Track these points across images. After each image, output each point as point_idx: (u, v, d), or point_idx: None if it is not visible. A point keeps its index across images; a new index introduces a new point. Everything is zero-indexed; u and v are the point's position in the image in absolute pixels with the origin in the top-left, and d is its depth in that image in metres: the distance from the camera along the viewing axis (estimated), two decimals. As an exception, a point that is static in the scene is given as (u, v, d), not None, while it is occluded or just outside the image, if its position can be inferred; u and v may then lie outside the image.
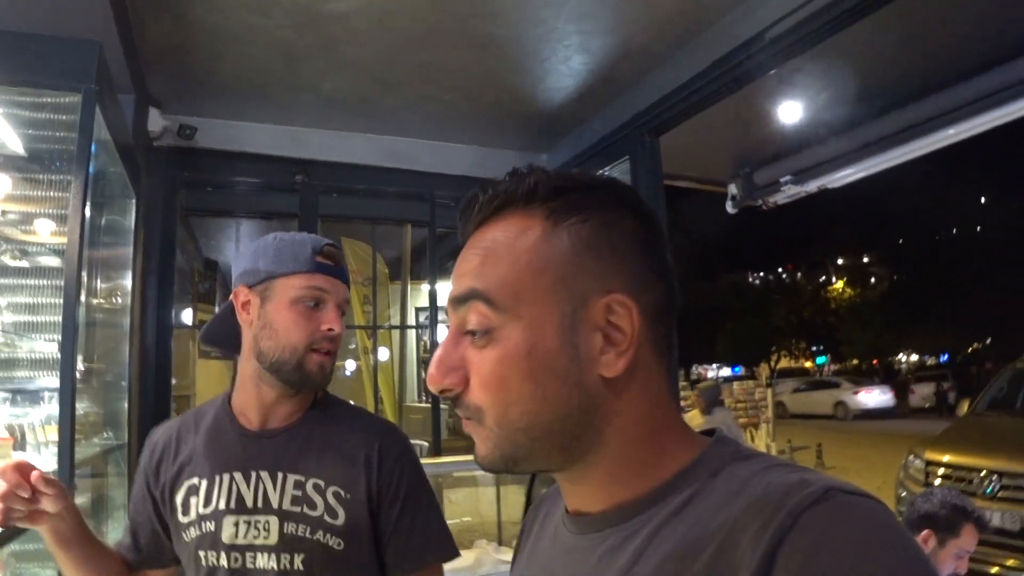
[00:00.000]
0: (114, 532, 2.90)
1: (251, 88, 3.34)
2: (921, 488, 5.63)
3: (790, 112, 3.83)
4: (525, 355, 0.66)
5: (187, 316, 5.42)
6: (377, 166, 3.95)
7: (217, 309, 6.49)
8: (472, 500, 4.63)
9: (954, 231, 38.16)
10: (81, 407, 2.69)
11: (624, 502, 0.69)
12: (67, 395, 1.89)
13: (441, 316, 4.52)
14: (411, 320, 7.21)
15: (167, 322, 3.52)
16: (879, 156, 3.85)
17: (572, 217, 0.68)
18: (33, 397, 2.47)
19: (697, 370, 44.38)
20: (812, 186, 4.48)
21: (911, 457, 6.51)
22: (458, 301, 0.70)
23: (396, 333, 7.15)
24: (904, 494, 6.17)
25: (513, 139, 4.14)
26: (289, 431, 1.39)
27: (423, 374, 7.70)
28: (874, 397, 23.15)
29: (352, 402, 1.57)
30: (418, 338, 7.86)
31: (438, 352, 0.70)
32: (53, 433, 2.15)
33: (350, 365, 7.32)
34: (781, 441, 13.09)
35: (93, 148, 2.44)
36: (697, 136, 3.89)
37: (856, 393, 23.56)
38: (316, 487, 1.33)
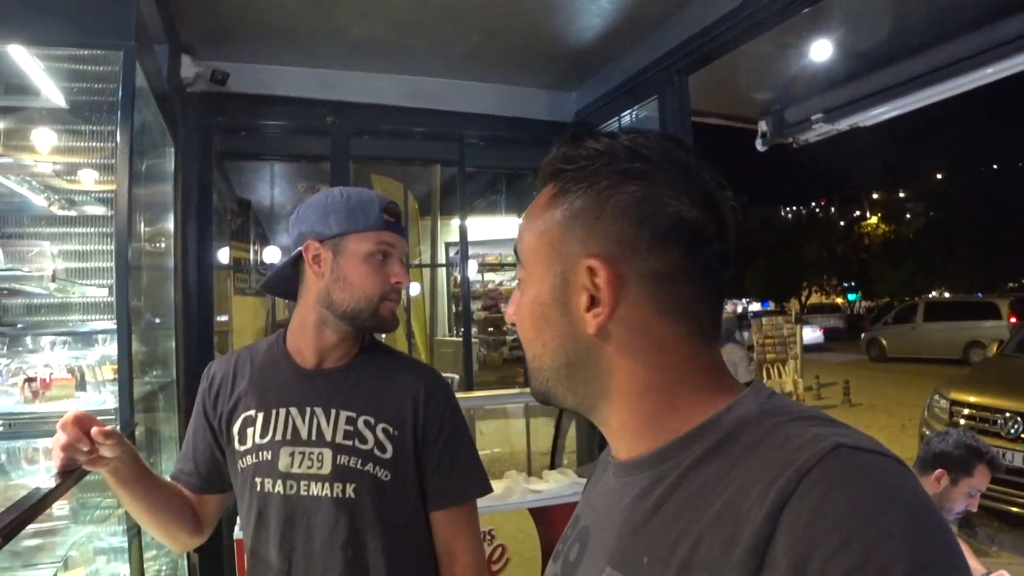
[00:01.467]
0: (167, 463, 3.07)
1: (281, 32, 3.37)
2: (944, 427, 5.69)
3: (822, 49, 3.78)
4: (530, 304, 0.78)
5: (223, 255, 5.53)
6: (406, 107, 3.99)
7: (251, 246, 6.65)
8: (503, 431, 4.77)
9: (994, 167, 37.07)
10: (133, 347, 2.83)
11: (653, 450, 0.73)
12: (124, 336, 2.00)
13: (471, 252, 4.58)
14: (441, 256, 7.29)
15: (207, 262, 3.65)
16: (913, 95, 3.78)
17: (573, 189, 0.76)
18: (87, 340, 2.61)
19: (725, 305, 44.09)
20: (843, 124, 4.43)
21: (936, 397, 6.54)
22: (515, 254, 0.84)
23: (427, 269, 7.24)
24: (928, 433, 6.24)
25: (540, 79, 4.14)
26: (342, 371, 1.50)
27: (454, 308, 7.83)
28: (808, 333, 19.67)
29: (383, 337, 1.69)
30: (448, 274, 7.96)
31: (514, 293, 0.84)
32: (109, 373, 2.28)
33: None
34: (809, 377, 13.09)
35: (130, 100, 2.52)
36: (727, 73, 3.85)
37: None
38: (367, 423, 1.44)
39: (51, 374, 2.04)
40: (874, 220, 41.13)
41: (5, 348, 2.30)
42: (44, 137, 2.49)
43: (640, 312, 0.72)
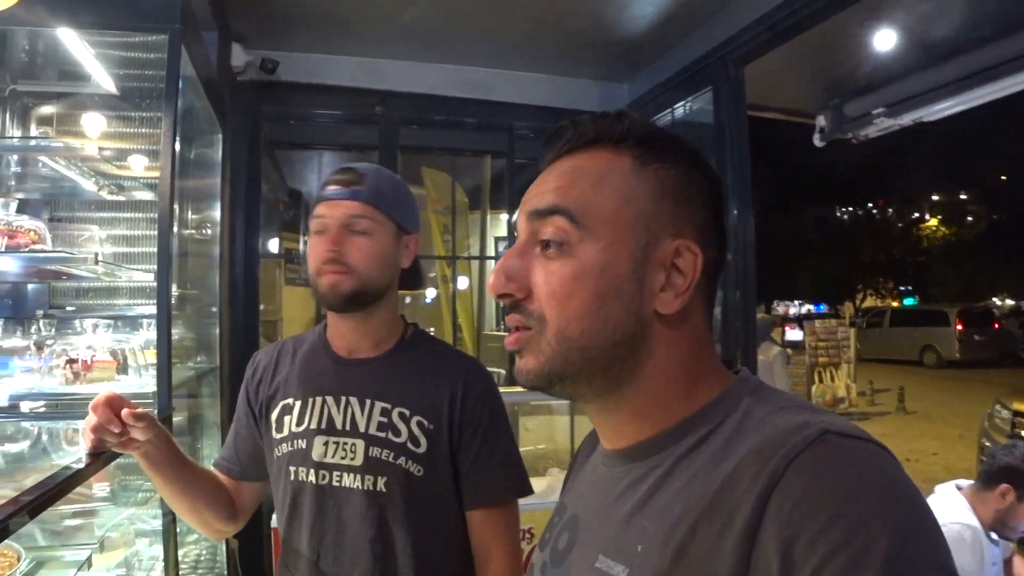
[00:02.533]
0: (208, 449, 3.10)
1: (330, 20, 3.36)
2: (1006, 439, 5.47)
3: (885, 40, 3.63)
4: (598, 273, 0.71)
5: (274, 245, 5.59)
6: (455, 97, 3.95)
7: (301, 237, 6.72)
8: (547, 428, 4.72)
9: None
10: (176, 332, 2.85)
11: (648, 438, 0.74)
12: (163, 321, 2.00)
13: None
14: (490, 250, 7.26)
15: (254, 251, 3.67)
16: (982, 88, 3.61)
17: (657, 163, 0.74)
18: (133, 323, 2.63)
19: (778, 307, 43.40)
20: (906, 119, 4.25)
21: (997, 407, 6.30)
22: (539, 214, 0.75)
23: (475, 262, 7.23)
24: (988, 444, 6.00)
25: (592, 69, 4.07)
26: (379, 360, 1.47)
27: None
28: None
29: (432, 330, 1.63)
30: (497, 268, 7.90)
31: (503, 259, 0.76)
32: (152, 357, 2.29)
33: (430, 293, 7.45)
34: (862, 382, 12.77)
35: (181, 85, 2.53)
36: (784, 65, 3.73)
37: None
38: (401, 415, 1.41)
39: (93, 356, 2.05)
40: (934, 222, 40.00)
41: (54, 330, 2.33)
42: (94, 122, 2.51)
43: (695, 298, 0.74)
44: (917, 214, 41.82)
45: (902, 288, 40.93)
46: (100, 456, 1.31)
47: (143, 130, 2.69)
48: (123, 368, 2.16)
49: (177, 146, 2.45)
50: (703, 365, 0.75)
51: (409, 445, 1.40)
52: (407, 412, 1.41)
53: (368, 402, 1.42)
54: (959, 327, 20.59)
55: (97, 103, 2.67)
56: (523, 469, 1.49)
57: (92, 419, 1.24)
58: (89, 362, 2.03)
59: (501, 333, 7.09)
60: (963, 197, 40.61)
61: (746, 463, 0.62)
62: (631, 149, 0.75)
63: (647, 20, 3.42)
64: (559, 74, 4.10)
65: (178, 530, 2.62)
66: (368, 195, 1.40)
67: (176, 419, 2.82)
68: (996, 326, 21.88)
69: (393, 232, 1.44)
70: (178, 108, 2.10)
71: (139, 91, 2.66)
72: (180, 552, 2.85)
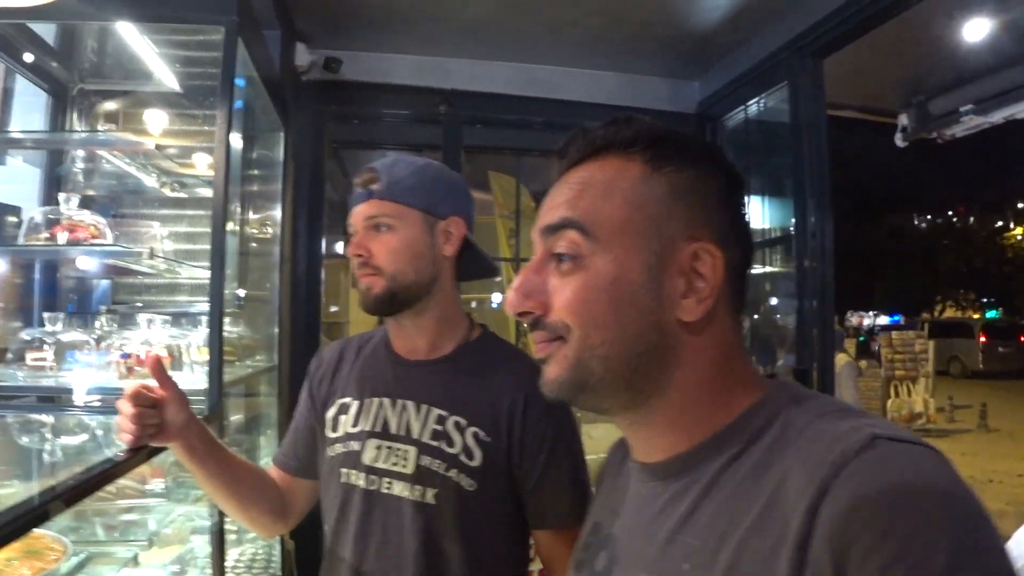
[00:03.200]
0: (265, 448, 3.10)
1: (394, 18, 3.33)
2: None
3: (975, 30, 3.40)
4: (610, 284, 0.70)
5: (340, 246, 5.62)
6: (520, 95, 3.87)
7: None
8: (611, 436, 4.59)
9: None
10: (235, 330, 2.86)
11: (684, 451, 0.72)
12: (216, 318, 1.98)
13: None
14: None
15: (316, 252, 3.66)
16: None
17: (669, 166, 0.73)
18: (193, 320, 2.64)
19: (852, 318, 42.09)
20: (997, 116, 3.98)
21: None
22: (551, 229, 0.74)
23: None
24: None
25: (661, 65, 3.94)
26: (439, 364, 1.39)
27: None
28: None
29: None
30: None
31: (519, 277, 0.75)
32: (207, 354, 2.29)
33: (496, 297, 7.44)
34: (941, 398, 12.20)
35: (242, 82, 2.53)
36: (863, 59, 3.51)
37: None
38: (457, 424, 1.32)
39: (148, 351, 2.05)
40: (1020, 231, 38.24)
41: (116, 326, 2.34)
42: (157, 119, 2.53)
43: (720, 303, 0.72)
44: (1001, 222, 40.03)
45: (984, 300, 39.23)
46: (138, 451, 1.28)
47: (206, 128, 2.70)
48: (178, 364, 2.15)
49: (235, 142, 2.45)
50: (735, 372, 0.74)
51: (462, 457, 1.31)
52: (463, 422, 1.32)
53: (424, 408, 1.35)
54: (982, 339, 22.32)
55: (161, 101, 2.69)
56: (591, 492, 1.36)
57: (128, 409, 1.22)
58: (143, 357, 2.02)
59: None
60: (1051, 204, 38.68)
61: (793, 474, 0.60)
62: (641, 154, 0.74)
63: (719, 13, 3.28)
64: (627, 71, 3.98)
65: (236, 529, 2.63)
66: (382, 190, 1.34)
67: (234, 417, 2.84)
68: (1022, 339, 23.30)
69: (420, 220, 1.35)
70: (233, 103, 2.08)
71: (202, 89, 2.69)
72: (236, 551, 2.86)
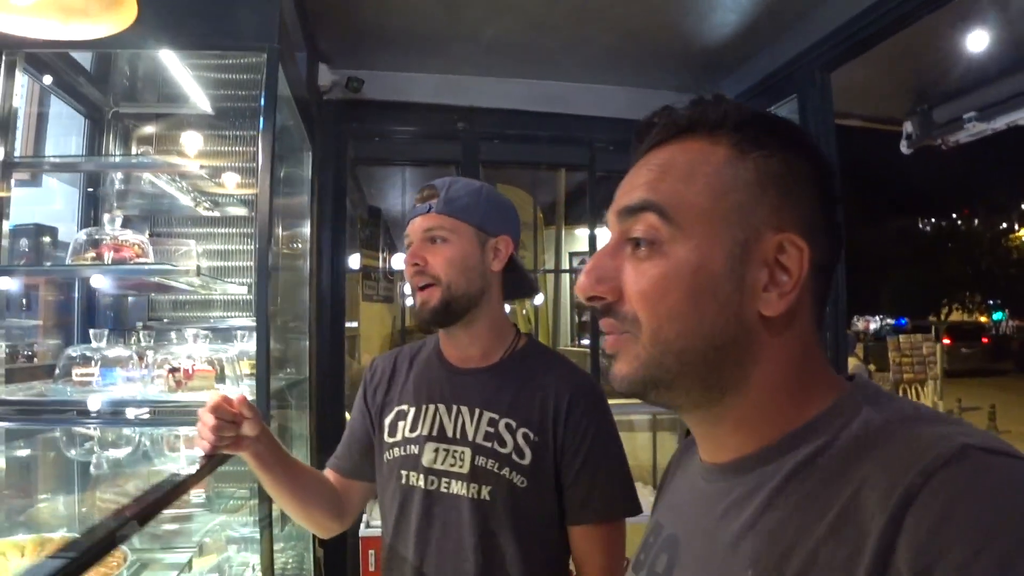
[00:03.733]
0: (298, 457, 3.15)
1: (414, 38, 3.41)
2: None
3: (977, 41, 3.48)
4: (690, 273, 0.66)
5: (354, 261, 5.71)
6: (536, 111, 3.96)
7: (380, 254, 6.85)
8: (628, 444, 4.64)
9: None
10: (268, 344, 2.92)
11: (754, 451, 0.69)
12: (263, 333, 2.06)
13: None
14: (565, 264, 7.27)
15: (340, 267, 3.75)
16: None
17: (757, 150, 0.68)
18: (226, 335, 2.71)
19: (858, 321, 42.00)
20: (1000, 123, 4.04)
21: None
22: (629, 211, 0.70)
23: (551, 277, 7.23)
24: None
25: (672, 79, 4.00)
26: (490, 371, 1.49)
27: (576, 319, 7.77)
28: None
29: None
30: (572, 282, 7.92)
31: (592, 260, 0.71)
32: (246, 367, 2.36)
33: (505, 308, 7.48)
34: (950, 400, 12.24)
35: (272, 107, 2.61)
36: (869, 70, 3.59)
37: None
38: (508, 426, 1.42)
39: (193, 365, 2.12)
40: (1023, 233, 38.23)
41: (152, 341, 2.42)
42: (192, 141, 2.61)
43: (803, 298, 0.68)
44: (1005, 224, 40.03)
45: (991, 302, 39.19)
46: (213, 458, 1.36)
47: (237, 148, 2.79)
48: (220, 377, 2.22)
49: (269, 163, 2.52)
50: (814, 371, 0.70)
51: (514, 456, 1.40)
52: (513, 423, 1.42)
53: (477, 411, 1.44)
54: (946, 341, 22.41)
55: (193, 122, 2.78)
56: (629, 488, 1.46)
57: (210, 420, 1.29)
58: (191, 371, 2.09)
59: (576, 349, 7.07)
60: (1056, 205, 38.68)
61: (873, 481, 0.56)
62: (728, 136, 0.69)
63: (729, 29, 3.37)
64: (639, 86, 4.06)
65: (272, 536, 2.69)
66: (440, 205, 1.45)
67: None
68: (985, 340, 25.20)
69: (472, 235, 1.46)
70: (275, 125, 2.16)
71: (233, 111, 2.77)
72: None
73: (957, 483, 0.51)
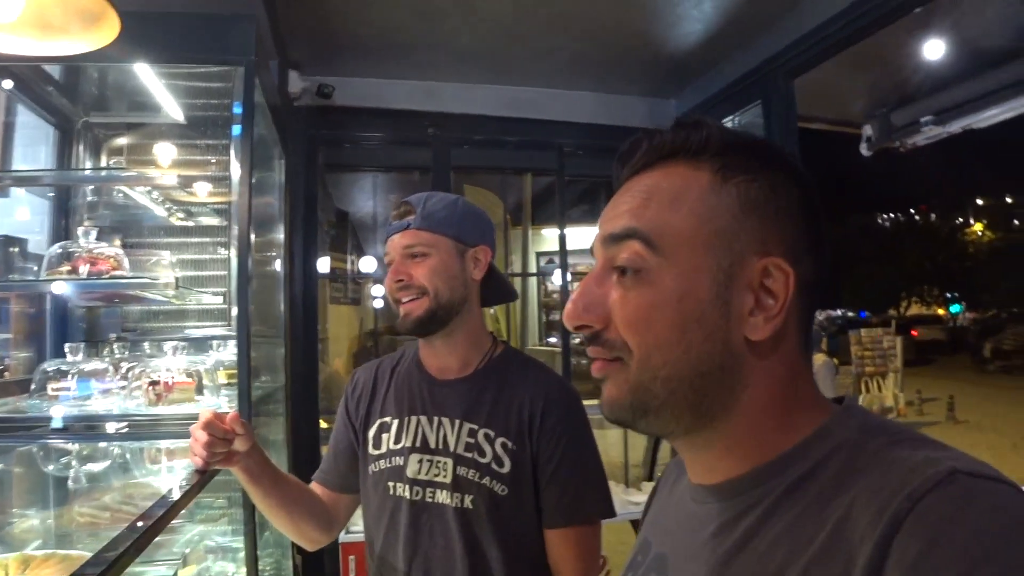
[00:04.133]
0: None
1: (386, 46, 3.43)
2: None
3: (933, 49, 3.59)
4: (677, 300, 0.66)
5: (322, 264, 5.70)
6: (505, 116, 3.99)
7: (347, 257, 6.83)
8: (600, 443, 4.71)
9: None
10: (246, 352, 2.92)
11: (744, 474, 0.68)
12: (243, 343, 2.07)
13: (571, 260, 4.55)
14: (532, 266, 7.32)
15: (312, 272, 3.74)
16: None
17: (741, 175, 0.68)
18: (201, 345, 2.71)
19: (819, 315, 42.62)
20: (955, 127, 4.18)
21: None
22: (613, 239, 0.70)
23: (518, 278, 7.27)
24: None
25: (639, 85, 4.08)
26: (467, 381, 1.52)
27: (543, 318, 7.83)
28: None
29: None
30: (539, 283, 7.98)
31: (579, 288, 0.71)
32: (223, 377, 2.37)
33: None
34: (910, 391, 12.53)
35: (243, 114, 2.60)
36: (831, 75, 3.68)
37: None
38: (487, 436, 1.46)
39: (173, 378, 2.12)
40: (979, 227, 39.19)
41: (127, 352, 2.41)
42: (164, 151, 2.61)
43: (789, 321, 0.68)
44: (960, 220, 41.01)
45: (948, 295, 40.11)
46: (205, 474, 1.37)
47: (209, 157, 2.78)
48: (199, 388, 2.22)
49: (248, 171, 2.52)
50: (801, 394, 0.70)
51: (493, 465, 1.45)
52: (492, 433, 1.46)
53: (457, 422, 1.48)
54: (914, 333, 24.62)
55: (165, 132, 2.76)
56: (604, 492, 1.51)
57: (202, 436, 1.31)
58: (171, 384, 2.09)
59: (544, 348, 7.13)
60: (1009, 201, 39.73)
61: (862, 504, 0.56)
62: (710, 162, 0.69)
63: (695, 36, 3.43)
64: (606, 91, 4.12)
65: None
66: (418, 222, 1.48)
67: (244, 438, 2.90)
68: (914, 333, 26.02)
69: (452, 248, 1.50)
70: (252, 137, 2.17)
71: (205, 120, 2.76)
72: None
73: (945, 507, 0.51)
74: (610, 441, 4.30)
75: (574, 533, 1.47)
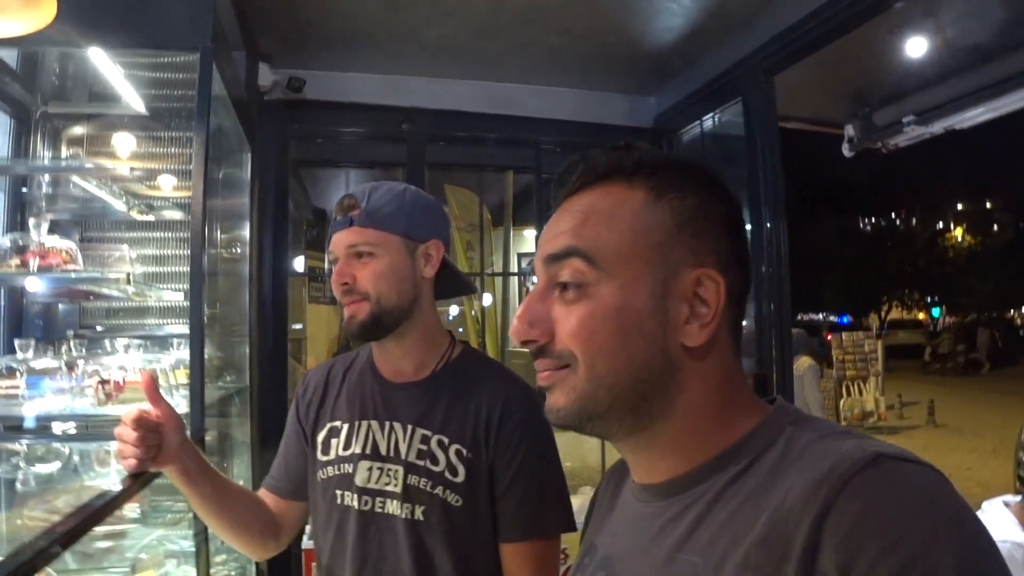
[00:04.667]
0: (239, 468, 3.08)
1: (358, 38, 3.36)
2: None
3: (915, 47, 3.56)
4: (616, 312, 0.70)
5: (299, 263, 5.61)
6: (482, 112, 3.92)
7: (326, 255, 6.78)
8: (576, 446, 4.67)
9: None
10: (206, 352, 2.84)
11: (686, 472, 0.73)
12: (196, 342, 1.99)
13: None
14: (514, 266, 7.26)
15: (283, 270, 3.66)
16: (1017, 94, 3.54)
17: (672, 192, 0.73)
18: (162, 343, 2.63)
19: (803, 319, 42.91)
20: (938, 127, 4.16)
21: (1033, 419, 6.20)
22: (554, 258, 0.74)
23: (499, 278, 7.21)
24: None
25: (619, 82, 4.03)
26: (421, 385, 1.43)
27: (528, 349, 7.74)
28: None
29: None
30: (520, 284, 7.91)
31: (523, 305, 0.75)
32: (183, 377, 2.28)
33: (453, 310, 7.45)
34: (891, 395, 12.57)
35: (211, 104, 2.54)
36: (811, 75, 3.66)
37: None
38: (440, 443, 1.37)
39: (124, 376, 2.04)
40: (958, 232, 39.51)
41: (84, 350, 2.32)
42: (124, 143, 2.52)
43: (722, 327, 0.73)
44: (941, 224, 41.33)
45: (929, 299, 40.41)
46: (139, 477, 1.29)
47: (172, 150, 2.71)
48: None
49: (205, 165, 2.44)
50: (736, 395, 0.75)
51: (447, 474, 1.35)
52: (446, 440, 1.37)
53: (410, 428, 1.39)
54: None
55: (127, 123, 2.68)
56: (564, 505, 1.40)
57: (130, 434, 1.23)
58: (121, 383, 2.01)
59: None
60: (988, 206, 40.08)
61: (797, 490, 0.60)
62: (644, 181, 0.74)
63: (675, 32, 3.38)
64: (586, 88, 4.06)
65: (209, 550, 2.61)
66: (363, 218, 1.37)
67: (207, 438, 2.82)
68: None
69: (400, 245, 1.39)
70: (209, 127, 2.09)
71: (168, 111, 2.69)
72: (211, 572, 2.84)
73: (871, 487, 0.56)
74: (588, 445, 4.25)
75: (531, 548, 1.37)
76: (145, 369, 2.14)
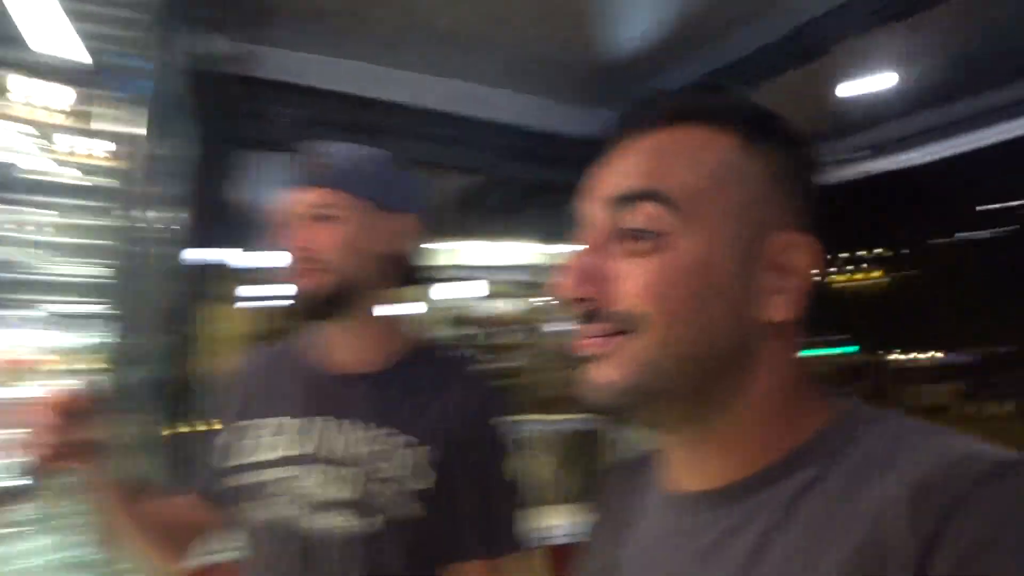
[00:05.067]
0: (149, 465, 2.88)
1: (314, 17, 3.29)
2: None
3: (874, 83, 3.67)
4: (700, 269, 0.59)
5: (229, 255, 5.42)
6: (434, 109, 3.86)
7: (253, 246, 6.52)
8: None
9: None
10: (118, 336, 2.61)
11: (749, 475, 0.62)
12: (115, 324, 1.80)
13: (479, 276, 4.49)
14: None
15: (210, 256, 3.55)
16: (969, 135, 3.66)
17: (766, 143, 0.63)
18: (64, 322, 2.37)
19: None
20: (889, 162, 4.32)
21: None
22: (623, 200, 0.62)
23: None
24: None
25: (573, 93, 4.07)
26: (380, 376, 1.22)
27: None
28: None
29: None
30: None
31: (575, 258, 0.63)
32: (88, 363, 2.07)
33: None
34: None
35: (155, 71, 2.35)
36: (768, 103, 3.74)
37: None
38: (408, 443, 1.16)
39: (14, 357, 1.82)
40: (877, 274, 41.37)
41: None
42: (53, 95, 2.28)
43: (804, 304, 0.63)
44: (853, 267, 43.19)
45: (840, 338, 42.19)
46: (44, 475, 1.08)
47: (112, 112, 2.46)
48: (54, 372, 1.93)
49: (143, 133, 2.24)
50: (807, 384, 0.64)
51: (411, 481, 1.15)
52: (403, 440, 1.16)
53: (372, 426, 1.18)
54: None
55: (70, 77, 2.42)
56: (519, 523, 1.21)
57: (39, 424, 1.05)
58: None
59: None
60: (905, 252, 42.12)
61: (898, 499, 0.51)
62: (735, 127, 0.62)
63: (634, 47, 3.45)
64: (540, 95, 4.08)
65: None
66: (331, 178, 1.18)
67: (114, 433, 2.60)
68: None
69: (371, 211, 1.19)
70: (150, 94, 1.90)
71: (112, 69, 2.44)
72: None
73: (996, 503, 0.48)
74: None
75: (491, 568, 1.18)
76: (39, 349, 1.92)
